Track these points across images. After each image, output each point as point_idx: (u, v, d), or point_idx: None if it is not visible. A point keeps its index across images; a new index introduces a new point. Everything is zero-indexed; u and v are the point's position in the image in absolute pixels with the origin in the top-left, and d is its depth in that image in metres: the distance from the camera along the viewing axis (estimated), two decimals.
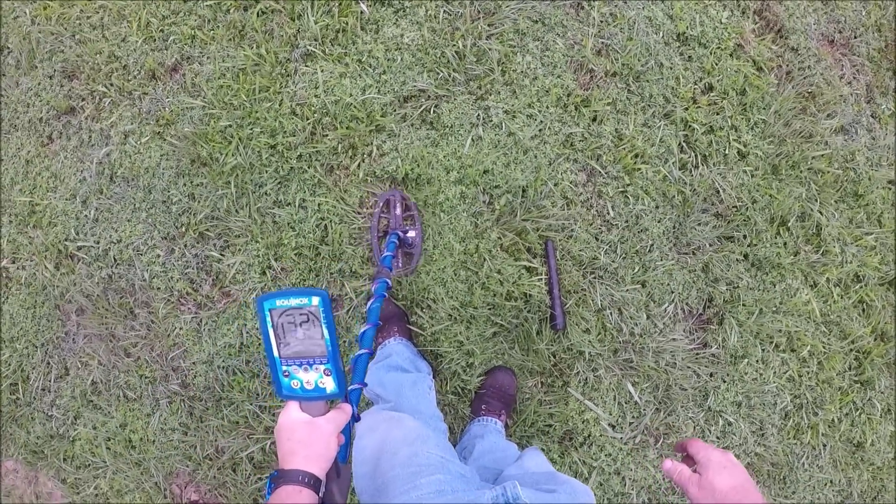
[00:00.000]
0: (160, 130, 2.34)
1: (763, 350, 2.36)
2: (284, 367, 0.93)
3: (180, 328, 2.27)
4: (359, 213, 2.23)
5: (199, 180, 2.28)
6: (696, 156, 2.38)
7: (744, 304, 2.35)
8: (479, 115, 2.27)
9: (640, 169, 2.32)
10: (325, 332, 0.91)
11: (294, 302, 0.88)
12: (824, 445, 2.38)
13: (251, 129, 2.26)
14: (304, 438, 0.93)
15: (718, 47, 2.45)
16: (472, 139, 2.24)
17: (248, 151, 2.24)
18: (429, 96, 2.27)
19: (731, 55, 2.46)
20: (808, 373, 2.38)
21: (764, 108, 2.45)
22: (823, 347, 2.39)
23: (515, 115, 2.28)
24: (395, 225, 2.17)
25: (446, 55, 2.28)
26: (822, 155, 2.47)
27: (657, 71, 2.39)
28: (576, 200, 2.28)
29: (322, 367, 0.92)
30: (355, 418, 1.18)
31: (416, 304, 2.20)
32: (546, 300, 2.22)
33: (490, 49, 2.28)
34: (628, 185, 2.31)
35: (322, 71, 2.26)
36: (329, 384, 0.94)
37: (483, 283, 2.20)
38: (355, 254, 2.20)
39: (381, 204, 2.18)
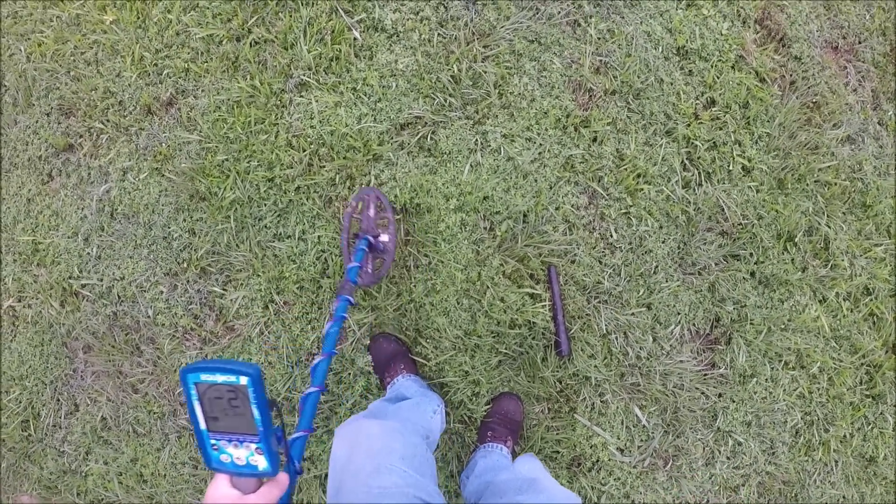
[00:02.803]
0: (158, 166, 2.26)
1: (772, 368, 2.25)
2: (213, 441, 0.85)
3: (186, 363, 2.20)
4: None
5: (198, 215, 2.20)
6: (699, 173, 2.26)
7: (751, 323, 2.24)
8: (476, 140, 2.16)
9: (642, 189, 2.21)
10: (255, 411, 0.82)
11: (220, 378, 0.80)
12: (836, 462, 2.28)
13: (248, 162, 2.17)
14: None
15: (720, 60, 2.32)
16: (471, 165, 2.14)
17: (246, 185, 2.16)
18: (425, 123, 2.16)
19: (732, 67, 2.33)
20: (818, 389, 2.27)
21: (768, 121, 2.32)
22: (833, 363, 2.28)
23: (514, 138, 2.17)
24: (368, 228, 2.00)
25: (441, 80, 2.17)
26: (829, 166, 2.34)
27: (657, 87, 2.27)
28: (578, 224, 2.17)
29: (253, 446, 0.84)
30: (298, 472, 1.09)
31: (419, 334, 2.12)
32: (550, 327, 2.13)
33: (486, 72, 2.17)
34: (631, 206, 2.20)
35: (317, 101, 2.17)
36: (261, 462, 0.85)
37: (486, 311, 2.11)
38: (358, 286, 2.12)
39: (354, 204, 2.02)
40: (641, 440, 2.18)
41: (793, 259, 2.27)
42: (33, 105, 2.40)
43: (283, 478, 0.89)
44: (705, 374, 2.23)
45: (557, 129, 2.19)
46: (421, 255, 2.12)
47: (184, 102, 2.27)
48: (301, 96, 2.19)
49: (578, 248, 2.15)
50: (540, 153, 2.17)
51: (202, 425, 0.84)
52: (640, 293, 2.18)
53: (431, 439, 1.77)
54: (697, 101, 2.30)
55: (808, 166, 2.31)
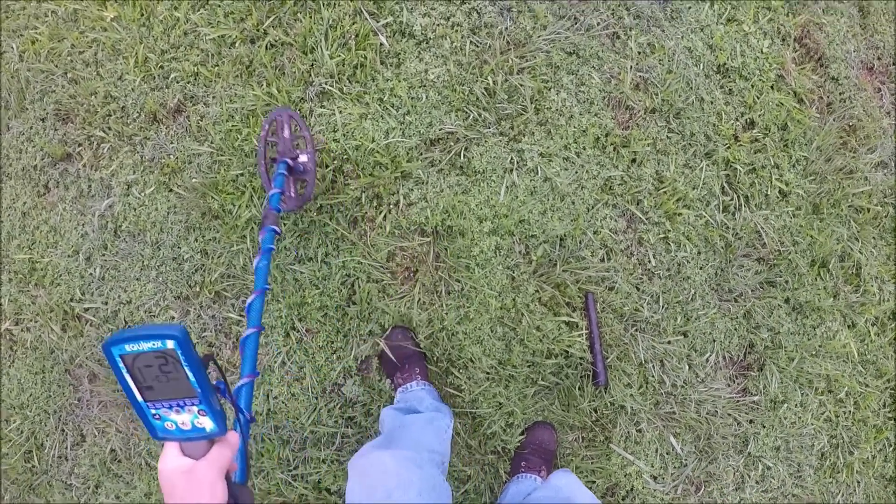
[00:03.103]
0: (166, 180, 1.81)
1: (802, 394, 1.94)
2: (154, 411, 0.72)
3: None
4: (386, 270, 1.74)
5: (211, 234, 1.77)
6: (738, 197, 1.90)
7: (784, 350, 1.91)
8: (512, 158, 1.76)
9: (681, 214, 1.84)
10: (189, 373, 0.70)
11: (145, 346, 0.68)
12: (858, 482, 1.99)
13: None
14: (186, 492, 0.71)
15: (760, 79, 1.94)
16: (507, 186, 1.74)
17: (264, 203, 1.73)
18: (458, 139, 1.75)
19: (772, 87, 1.95)
20: (844, 413, 1.97)
21: (806, 144, 1.96)
22: (860, 387, 1.97)
23: (551, 158, 1.77)
24: (285, 150, 1.62)
25: (475, 92, 1.75)
26: (863, 192, 2.00)
27: (698, 107, 1.88)
28: (616, 249, 1.80)
29: (195, 408, 0.72)
30: (250, 420, 1.00)
31: (451, 364, 1.74)
32: (587, 356, 1.77)
33: (522, 85, 1.76)
34: (669, 231, 1.84)
35: (340, 112, 1.74)
36: (207, 423, 0.73)
37: (522, 340, 1.74)
38: (388, 311, 1.73)
39: (267, 127, 1.62)
40: (675, 468, 1.86)
41: (825, 286, 1.94)
42: (27, 109, 1.92)
43: (232, 437, 0.77)
44: (738, 401, 1.90)
45: (596, 148, 1.80)
46: (453, 281, 1.73)
47: (193, 110, 1.82)
48: (323, 106, 1.75)
49: (617, 275, 1.79)
50: (577, 174, 1.79)
51: (138, 397, 0.72)
52: (678, 321, 1.84)
53: (445, 465, 1.46)
54: (737, 123, 1.92)
55: (843, 191, 1.97)
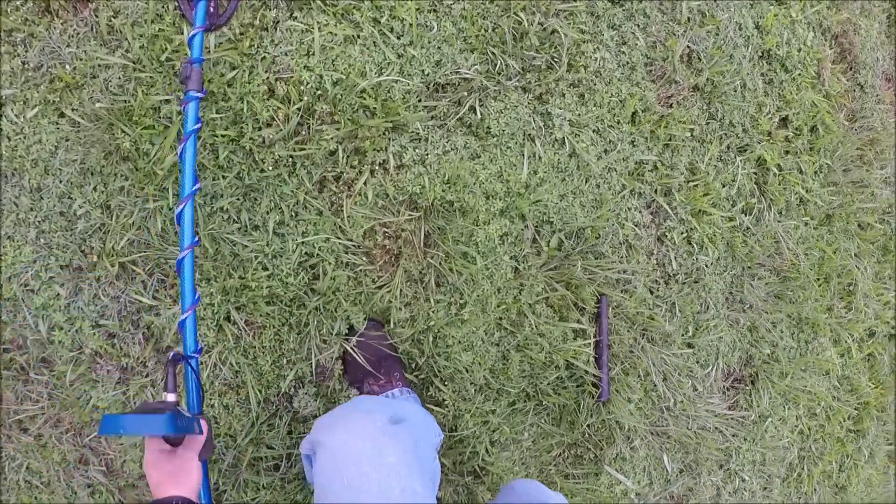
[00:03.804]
0: (56, 100, 0.92)
1: (786, 409, 1.37)
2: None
3: (98, 398, 0.96)
4: (362, 251, 0.96)
5: (117, 183, 0.91)
6: (764, 200, 1.25)
7: (779, 364, 1.32)
8: (536, 122, 1.00)
9: (709, 213, 1.16)
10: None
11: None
12: (814, 491, 1.47)
13: (203, 109, 0.89)
14: (171, 469, 0.61)
15: (801, 74, 1.27)
16: (528, 157, 0.99)
17: (197, 144, 0.88)
18: (472, 87, 0.97)
19: (811, 85, 1.29)
20: (816, 426, 1.43)
21: (830, 152, 1.33)
22: (834, 402, 1.43)
23: (582, 128, 1.03)
24: None
25: (501, 30, 0.97)
26: (871, 208, 1.40)
27: (739, 94, 1.19)
28: (638, 247, 1.11)
29: None
30: (198, 352, 0.75)
31: (434, 373, 1.01)
32: (591, 368, 1.08)
33: (559, 31, 0.99)
34: (694, 230, 1.16)
35: (320, 29, 0.90)
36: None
37: (521, 346, 1.03)
38: (361, 304, 0.95)
39: None
40: (660, 484, 1.25)
41: (824, 301, 1.36)
42: None
43: (203, 427, 0.64)
44: (727, 416, 1.30)
45: (633, 124, 1.08)
46: (446, 271, 0.98)
47: (105, 2, 0.92)
48: (295, 18, 0.91)
49: (635, 277, 1.10)
50: (606, 151, 1.06)
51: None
52: (688, 332, 1.19)
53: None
54: (773, 118, 1.25)
55: (854, 205, 1.37)
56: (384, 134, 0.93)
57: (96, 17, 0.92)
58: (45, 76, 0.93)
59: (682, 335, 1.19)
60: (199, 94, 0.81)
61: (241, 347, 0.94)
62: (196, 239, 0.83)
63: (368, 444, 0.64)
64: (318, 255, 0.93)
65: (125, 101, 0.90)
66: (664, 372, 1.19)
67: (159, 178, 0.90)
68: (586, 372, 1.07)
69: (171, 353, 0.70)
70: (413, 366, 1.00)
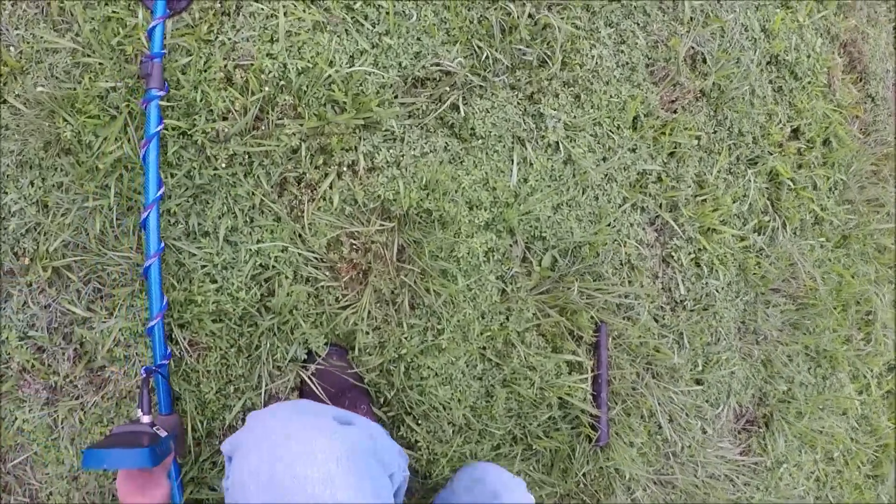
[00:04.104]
0: (0, 85, 0.81)
1: (802, 453, 1.18)
2: None
3: (24, 419, 0.81)
4: (325, 264, 0.81)
5: (56, 178, 0.79)
6: (778, 218, 1.10)
7: (795, 403, 1.14)
8: (527, 124, 0.87)
9: (720, 231, 1.01)
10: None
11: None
12: None
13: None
14: (141, 482, 0.60)
15: (810, 82, 1.14)
16: (518, 162, 0.85)
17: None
18: (454, 83, 0.84)
19: (822, 95, 1.15)
20: (833, 472, 1.23)
21: (844, 167, 1.18)
22: (852, 444, 1.23)
23: (578, 132, 0.90)
24: None
25: (488, 22, 0.85)
26: (888, 229, 1.24)
27: (748, 101, 1.06)
28: (641, 268, 0.95)
29: None
30: (167, 358, 0.75)
31: (406, 410, 0.84)
32: (589, 407, 0.91)
33: (553, 24, 0.87)
34: (703, 250, 1.01)
35: (286, 14, 0.79)
36: None
37: (507, 380, 0.86)
38: (322, 327, 0.81)
39: None
40: None
41: (842, 331, 1.18)
42: None
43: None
44: (739, 463, 1.11)
45: (635, 130, 0.94)
46: (422, 291, 0.83)
47: None
48: (258, 1, 0.80)
49: (639, 302, 0.94)
50: (605, 159, 0.92)
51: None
52: (698, 367, 1.02)
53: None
54: (784, 128, 1.12)
55: (871, 226, 1.21)
56: (354, 131, 0.80)
57: None
58: None
59: (691, 370, 1.02)
60: (161, 93, 0.71)
61: (182, 371, 0.79)
62: (162, 245, 0.72)
63: (303, 444, 0.48)
64: (273, 266, 0.79)
65: (70, 88, 0.78)
66: (670, 412, 1.01)
67: (101, 175, 0.78)
68: (583, 412, 0.90)
69: (143, 370, 0.70)
70: (381, 400, 0.85)
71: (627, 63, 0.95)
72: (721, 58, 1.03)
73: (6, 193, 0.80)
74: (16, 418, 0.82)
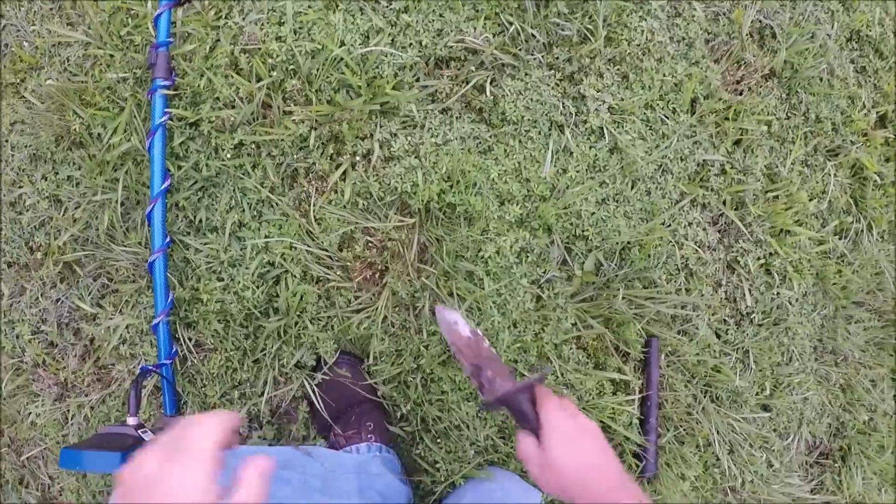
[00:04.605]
0: (18, 81, 0.76)
1: (882, 492, 0.94)
2: None
3: (37, 414, 0.76)
4: (337, 263, 0.70)
5: (67, 171, 0.73)
6: (863, 220, 0.88)
7: (877, 435, 0.91)
8: (566, 107, 0.72)
9: (794, 233, 0.81)
10: None
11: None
12: None
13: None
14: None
15: None
16: (554, 151, 0.71)
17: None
18: (482, 62, 0.71)
19: None
20: None
21: None
22: None
23: (625, 117, 0.74)
24: None
25: None
26: None
27: (826, 82, 0.86)
28: (700, 274, 0.78)
29: None
30: (173, 356, 0.67)
31: (425, 428, 0.72)
32: (634, 435, 0.75)
33: None
34: (773, 255, 0.82)
35: None
36: None
37: None
38: (332, 331, 0.70)
39: None
40: None
41: None
42: None
43: None
44: (809, 501, 0.90)
45: (692, 114, 0.77)
46: (444, 294, 0.70)
47: None
48: None
49: (696, 314, 0.76)
50: (661, 149, 0.75)
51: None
52: (765, 390, 0.82)
53: None
54: (869, 114, 0.90)
55: None
56: (369, 118, 0.69)
57: None
58: (7, 55, 0.77)
59: (757, 394, 0.83)
60: (167, 83, 0.64)
61: (186, 373, 0.71)
62: (168, 239, 0.65)
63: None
64: (280, 263, 0.68)
65: (80, 81, 0.72)
66: (731, 441, 0.83)
67: (108, 168, 0.71)
68: (627, 438, 0.74)
69: (140, 369, 0.64)
70: (397, 415, 0.72)
71: (683, 38, 0.79)
72: (793, 32, 0.84)
73: (20, 187, 0.75)
74: (30, 412, 0.77)
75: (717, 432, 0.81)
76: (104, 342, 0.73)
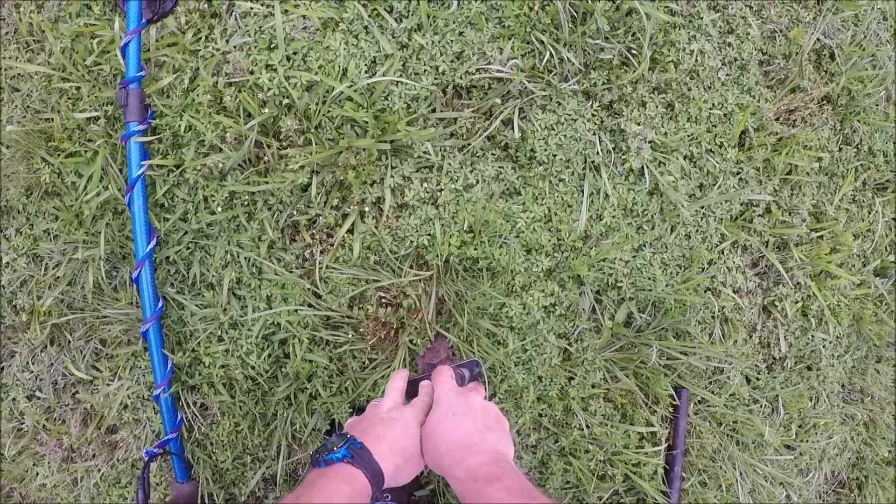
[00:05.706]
0: None
1: None
2: None
3: (46, 476, 0.66)
4: (347, 322, 0.57)
5: (43, 225, 0.58)
6: None
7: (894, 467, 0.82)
8: (603, 144, 0.57)
9: (835, 276, 0.68)
10: None
11: None
12: None
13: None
14: None
15: None
16: (590, 194, 0.56)
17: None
18: (508, 92, 0.55)
19: None
20: None
21: None
22: None
23: (669, 154, 0.58)
24: None
25: (553, 7, 0.53)
26: None
27: (882, 110, 0.68)
28: (736, 322, 0.65)
29: None
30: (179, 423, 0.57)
31: (445, 484, 0.62)
32: (658, 494, 0.64)
33: (638, 9, 0.54)
34: (811, 297, 0.68)
35: (286, 13, 0.52)
36: None
37: (565, 452, 0.61)
38: (344, 396, 0.58)
39: None
40: None
41: None
42: None
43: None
44: None
45: (742, 149, 0.62)
46: (465, 351, 0.58)
47: None
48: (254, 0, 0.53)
49: (730, 364, 0.64)
50: (703, 188, 0.60)
51: None
52: (790, 432, 0.72)
53: None
54: None
55: None
56: (378, 160, 0.54)
57: (18, 13, 0.59)
58: None
59: (782, 435, 0.73)
60: (142, 126, 0.48)
61: (194, 438, 0.60)
62: (161, 304, 0.52)
63: None
64: (289, 329, 0.56)
65: (46, 120, 0.56)
66: (753, 482, 0.73)
67: (87, 220, 0.57)
68: (648, 488, 0.64)
69: (145, 455, 0.54)
70: (419, 475, 0.62)
71: (736, 60, 0.62)
72: (853, 54, 0.67)
73: None
74: (37, 473, 0.67)
75: (740, 476, 0.71)
76: (105, 408, 0.61)
